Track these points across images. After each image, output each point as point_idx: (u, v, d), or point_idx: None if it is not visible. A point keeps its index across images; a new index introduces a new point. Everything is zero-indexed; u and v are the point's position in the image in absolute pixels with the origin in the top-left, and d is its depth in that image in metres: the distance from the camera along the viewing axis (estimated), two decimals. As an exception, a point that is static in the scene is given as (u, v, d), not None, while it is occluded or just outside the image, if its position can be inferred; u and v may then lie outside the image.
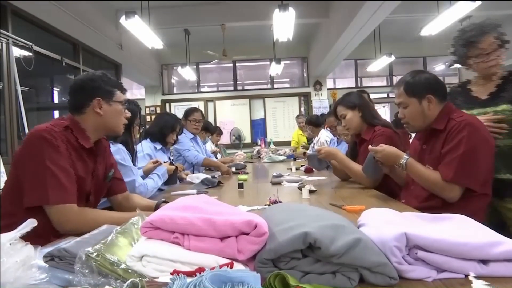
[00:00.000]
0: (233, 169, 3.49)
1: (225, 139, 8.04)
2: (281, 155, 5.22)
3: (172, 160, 3.07)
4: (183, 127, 3.34)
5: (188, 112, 3.72)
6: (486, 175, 1.51)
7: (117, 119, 1.49)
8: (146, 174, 2.35)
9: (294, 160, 4.83)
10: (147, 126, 3.25)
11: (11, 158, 3.80)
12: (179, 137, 3.13)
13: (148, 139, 2.86)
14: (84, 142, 1.39)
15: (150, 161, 2.44)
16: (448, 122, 1.56)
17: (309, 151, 4.72)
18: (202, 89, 9.33)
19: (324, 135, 4.77)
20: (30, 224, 0.74)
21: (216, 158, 4.78)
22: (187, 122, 3.66)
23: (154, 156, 2.71)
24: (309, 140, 6.04)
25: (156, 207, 1.56)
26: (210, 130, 5.49)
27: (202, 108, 9.12)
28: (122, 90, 1.51)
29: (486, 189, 1.52)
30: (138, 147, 2.62)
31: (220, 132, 6.49)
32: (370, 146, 1.79)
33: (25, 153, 1.29)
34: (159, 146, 2.85)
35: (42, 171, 1.23)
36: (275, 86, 9.46)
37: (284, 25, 4.60)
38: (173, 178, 2.55)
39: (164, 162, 2.54)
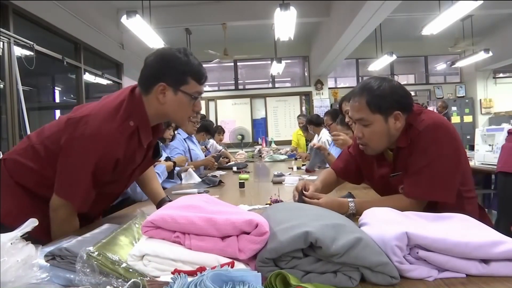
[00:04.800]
0: (234, 168, 3.49)
1: (226, 138, 8.02)
2: (282, 154, 5.21)
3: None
4: None
5: None
6: (464, 179, 1.31)
7: (178, 112, 1.31)
8: None
9: (295, 159, 4.82)
10: None
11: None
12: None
13: None
14: (144, 128, 1.29)
15: None
16: (410, 132, 1.29)
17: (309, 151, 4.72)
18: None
19: (326, 134, 4.77)
20: (31, 223, 0.74)
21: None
22: (189, 122, 3.60)
23: None
24: (308, 141, 6.02)
25: (160, 203, 1.56)
26: (211, 132, 5.21)
27: (203, 107, 9.12)
28: (199, 79, 1.29)
29: (471, 192, 1.37)
30: None
31: (221, 131, 5.82)
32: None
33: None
34: None
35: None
36: (276, 85, 9.46)
37: (285, 24, 4.60)
38: (173, 174, 2.55)
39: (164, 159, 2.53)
